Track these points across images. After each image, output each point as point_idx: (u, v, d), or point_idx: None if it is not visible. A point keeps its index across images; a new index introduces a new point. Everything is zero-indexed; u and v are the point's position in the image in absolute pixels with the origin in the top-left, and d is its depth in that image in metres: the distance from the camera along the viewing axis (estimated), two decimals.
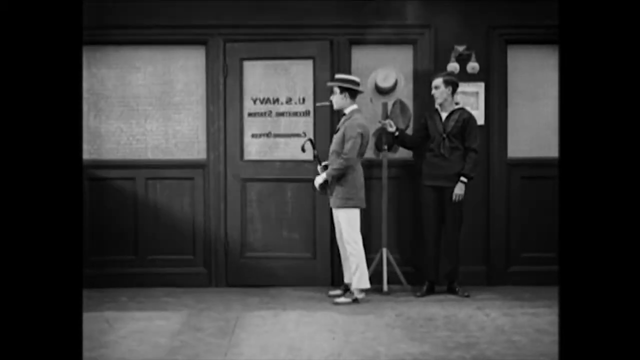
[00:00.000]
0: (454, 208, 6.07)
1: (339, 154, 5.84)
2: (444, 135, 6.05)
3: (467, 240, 6.38)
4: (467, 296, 6.05)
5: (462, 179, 6.01)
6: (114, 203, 6.49)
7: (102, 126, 6.56)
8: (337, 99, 5.93)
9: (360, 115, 5.92)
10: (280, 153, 6.53)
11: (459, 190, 6.01)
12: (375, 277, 6.22)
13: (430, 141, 6.14)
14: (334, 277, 6.47)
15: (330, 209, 6.08)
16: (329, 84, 6.06)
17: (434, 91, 6.10)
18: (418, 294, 6.10)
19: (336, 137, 5.94)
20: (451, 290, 6.16)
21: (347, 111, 5.91)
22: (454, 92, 6.10)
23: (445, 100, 6.07)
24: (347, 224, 5.84)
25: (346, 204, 5.83)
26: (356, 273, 5.84)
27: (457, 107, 6.12)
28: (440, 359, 4.47)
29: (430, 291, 6.15)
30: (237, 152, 6.52)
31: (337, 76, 6.03)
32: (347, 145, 5.78)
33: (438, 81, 6.07)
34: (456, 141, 6.04)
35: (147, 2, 6.39)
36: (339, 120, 6.10)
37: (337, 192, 5.85)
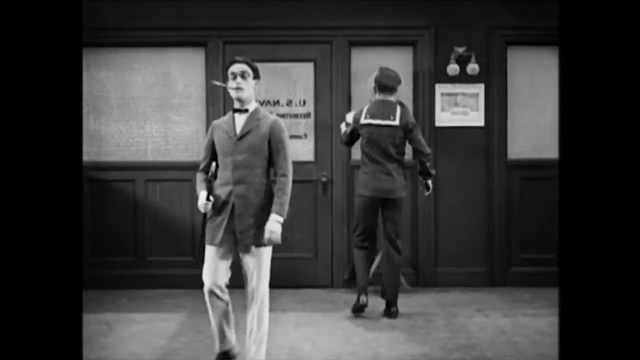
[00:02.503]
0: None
1: (264, 169, 4.05)
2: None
3: (467, 241, 6.38)
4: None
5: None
6: (113, 205, 6.49)
7: (101, 128, 6.56)
8: (249, 86, 4.04)
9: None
10: None
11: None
12: (375, 279, 6.21)
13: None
14: (335, 277, 6.47)
15: (246, 247, 4.16)
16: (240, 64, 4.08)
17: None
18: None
19: (248, 144, 3.98)
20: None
21: (251, 107, 4.08)
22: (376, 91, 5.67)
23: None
24: (267, 265, 4.31)
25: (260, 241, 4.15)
26: (263, 342, 4.19)
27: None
28: None
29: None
30: None
31: (243, 58, 4.10)
32: (286, 159, 4.05)
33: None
34: None
35: (147, 4, 6.39)
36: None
37: (258, 224, 4.08)
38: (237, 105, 4.06)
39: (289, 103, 6.56)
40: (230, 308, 4.26)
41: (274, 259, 6.49)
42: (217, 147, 4.06)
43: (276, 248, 6.42)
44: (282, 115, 6.53)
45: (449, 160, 6.47)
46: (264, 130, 4.01)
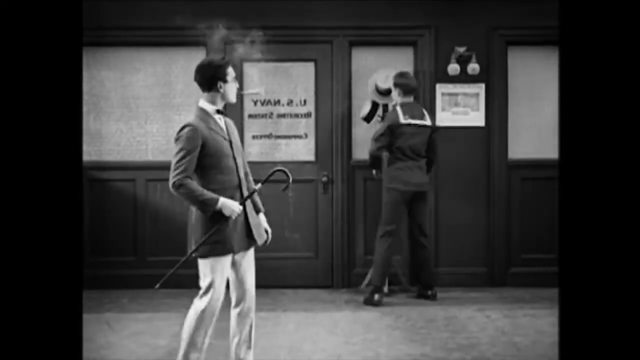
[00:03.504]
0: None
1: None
2: None
3: (467, 241, 6.38)
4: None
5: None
6: (114, 204, 6.49)
7: (102, 128, 6.56)
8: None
9: None
10: (281, 154, 6.53)
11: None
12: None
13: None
14: (335, 277, 6.47)
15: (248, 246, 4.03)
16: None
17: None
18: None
19: (236, 144, 3.99)
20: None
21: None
22: (401, 94, 5.99)
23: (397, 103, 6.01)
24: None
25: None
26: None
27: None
28: None
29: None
30: None
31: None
32: None
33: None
34: None
35: (148, 3, 6.39)
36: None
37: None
38: (221, 107, 3.90)
39: (290, 103, 6.56)
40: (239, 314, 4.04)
41: (274, 259, 6.53)
42: (212, 150, 3.77)
43: (277, 248, 6.46)
44: (283, 115, 6.54)
45: (449, 160, 6.47)
46: (236, 129, 4.06)
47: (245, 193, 3.91)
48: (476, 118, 6.39)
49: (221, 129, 3.87)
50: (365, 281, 6.30)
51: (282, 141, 6.53)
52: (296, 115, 6.54)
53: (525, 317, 5.45)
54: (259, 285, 6.41)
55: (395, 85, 5.96)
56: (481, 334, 5.01)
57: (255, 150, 6.55)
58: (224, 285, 3.83)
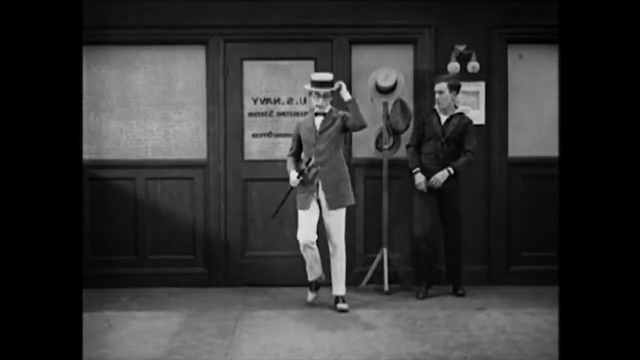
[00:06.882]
0: (453, 208, 6.05)
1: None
2: (443, 140, 5.97)
3: (467, 240, 6.37)
4: (462, 294, 6.08)
5: (449, 169, 5.91)
6: (114, 203, 6.49)
7: (102, 126, 6.56)
8: (327, 103, 5.74)
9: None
10: (281, 153, 6.51)
11: (441, 177, 5.91)
12: (376, 277, 6.23)
13: (426, 144, 6.06)
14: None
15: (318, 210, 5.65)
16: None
17: (437, 95, 5.97)
18: (420, 295, 6.04)
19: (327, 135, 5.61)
20: (455, 292, 6.15)
21: (327, 109, 5.72)
22: (456, 95, 6.04)
23: (449, 105, 5.98)
24: (342, 223, 5.66)
25: (345, 202, 5.64)
26: (344, 279, 5.76)
27: (457, 111, 6.05)
28: (441, 359, 4.47)
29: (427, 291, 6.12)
30: (238, 152, 6.52)
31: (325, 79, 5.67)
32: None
33: (442, 86, 5.95)
34: (454, 145, 5.97)
35: (148, 2, 6.39)
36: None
37: (340, 189, 5.61)
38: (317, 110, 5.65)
39: (290, 101, 6.56)
40: (317, 253, 5.63)
41: (275, 258, 6.53)
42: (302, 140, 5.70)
43: (277, 246, 6.46)
44: (283, 114, 6.53)
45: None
46: (338, 122, 5.61)
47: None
48: (476, 116, 6.38)
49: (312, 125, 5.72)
50: (366, 279, 6.30)
51: (282, 139, 6.52)
52: (296, 114, 6.53)
53: (525, 315, 5.45)
54: (259, 285, 6.46)
55: (456, 87, 6.00)
56: (481, 333, 5.01)
57: (255, 148, 6.55)
58: (302, 231, 5.60)
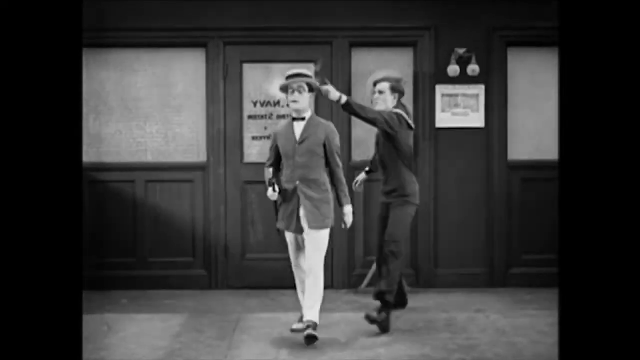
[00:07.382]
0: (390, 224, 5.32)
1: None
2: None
3: (467, 242, 6.37)
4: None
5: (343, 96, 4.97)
6: (114, 206, 6.48)
7: (102, 129, 6.55)
8: (304, 99, 4.89)
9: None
10: None
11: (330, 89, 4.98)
12: (375, 280, 6.21)
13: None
14: (335, 278, 6.46)
15: (296, 230, 4.93)
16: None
17: (376, 95, 5.28)
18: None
19: (308, 146, 4.85)
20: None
21: (307, 115, 4.95)
22: (398, 101, 5.29)
23: (387, 108, 5.22)
24: (322, 245, 4.89)
25: (327, 224, 4.92)
26: (317, 306, 4.86)
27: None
28: None
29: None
30: (238, 154, 6.52)
31: (301, 71, 4.92)
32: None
33: (384, 86, 5.26)
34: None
35: (147, 4, 6.39)
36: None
37: (321, 209, 4.88)
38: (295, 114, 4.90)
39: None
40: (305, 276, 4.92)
41: (275, 260, 6.52)
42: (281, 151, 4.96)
43: (277, 249, 6.46)
44: (283, 116, 6.53)
45: (449, 161, 6.47)
46: (321, 136, 4.88)
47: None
48: (476, 119, 6.39)
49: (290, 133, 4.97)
50: (365, 282, 6.30)
51: None
52: None
53: (525, 317, 5.45)
54: (259, 287, 6.45)
55: (398, 89, 5.28)
56: (481, 335, 5.01)
57: (254, 151, 6.55)
58: (291, 254, 5.03)
